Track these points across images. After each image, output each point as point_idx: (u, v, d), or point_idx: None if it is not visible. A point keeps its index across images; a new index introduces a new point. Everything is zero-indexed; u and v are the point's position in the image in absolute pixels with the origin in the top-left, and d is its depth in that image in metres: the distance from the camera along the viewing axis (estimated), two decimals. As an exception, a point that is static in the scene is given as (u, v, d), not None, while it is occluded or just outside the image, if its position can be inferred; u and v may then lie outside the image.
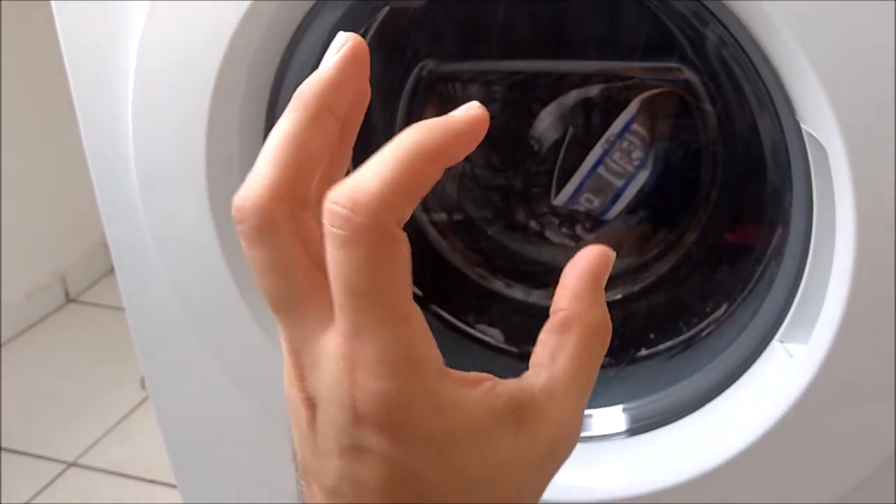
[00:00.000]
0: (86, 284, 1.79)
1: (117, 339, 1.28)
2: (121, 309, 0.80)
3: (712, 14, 0.56)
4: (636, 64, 0.77)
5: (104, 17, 0.66)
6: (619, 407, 0.71)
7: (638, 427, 0.66)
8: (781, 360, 0.60)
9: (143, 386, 1.43)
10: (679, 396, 0.68)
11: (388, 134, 0.87)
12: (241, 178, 0.69)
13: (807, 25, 0.48)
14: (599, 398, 0.74)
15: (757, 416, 0.59)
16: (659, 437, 0.65)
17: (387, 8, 0.75)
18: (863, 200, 0.50)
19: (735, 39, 0.56)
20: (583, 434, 0.70)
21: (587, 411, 0.71)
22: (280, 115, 0.73)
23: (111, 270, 0.79)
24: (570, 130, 0.83)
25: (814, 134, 0.51)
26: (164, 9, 0.62)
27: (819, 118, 0.50)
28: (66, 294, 1.76)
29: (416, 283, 0.88)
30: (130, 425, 1.41)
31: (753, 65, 0.56)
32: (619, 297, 0.84)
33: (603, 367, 0.85)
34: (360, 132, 0.94)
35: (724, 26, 0.56)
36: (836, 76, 0.48)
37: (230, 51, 0.61)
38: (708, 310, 0.75)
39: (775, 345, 0.61)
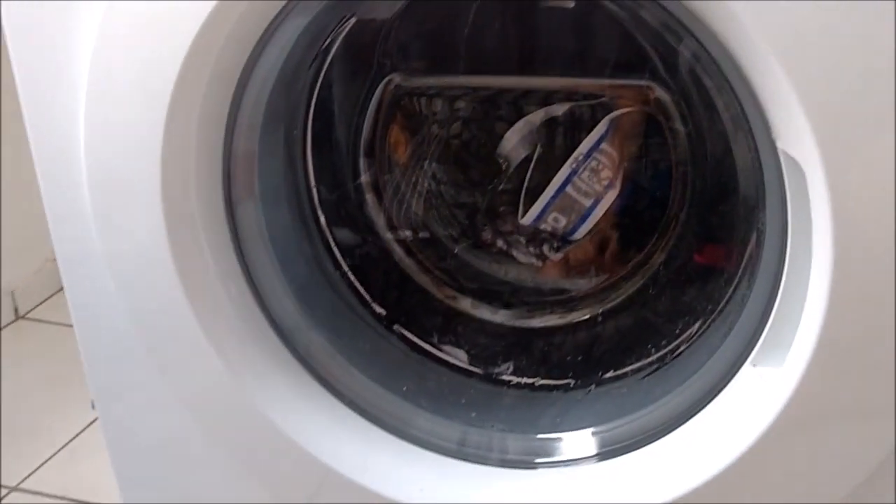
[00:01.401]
0: (36, 301, 1.74)
1: (68, 358, 1.23)
2: (72, 326, 0.76)
3: (687, 30, 0.55)
4: (606, 81, 0.76)
5: (55, 25, 0.63)
6: (589, 430, 0.69)
7: (608, 451, 0.65)
8: (754, 383, 0.59)
9: (94, 407, 1.39)
10: (650, 419, 0.67)
11: (354, 150, 0.86)
12: (199, 195, 0.67)
13: (787, 43, 0.47)
14: (567, 421, 0.73)
15: (731, 440, 0.58)
16: (630, 462, 0.63)
17: (354, 19, 0.73)
18: (840, 222, 0.49)
19: (710, 57, 0.55)
20: (552, 459, 0.69)
21: (556, 434, 0.70)
22: (240, 132, 0.69)
23: (63, 287, 0.76)
24: (539, 149, 0.81)
25: (791, 154, 0.51)
26: (120, 15, 0.59)
27: (797, 139, 0.49)
28: (16, 311, 1.72)
29: (380, 302, 0.85)
30: (79, 447, 1.36)
31: (729, 83, 0.55)
32: (585, 317, 0.83)
33: (568, 389, 0.83)
34: (324, 148, 0.92)
35: (700, 42, 0.55)
36: (816, 96, 0.47)
37: (188, 61, 0.59)
38: (676, 331, 0.74)
39: (748, 368, 0.60)
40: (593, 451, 0.66)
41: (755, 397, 0.59)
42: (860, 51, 0.46)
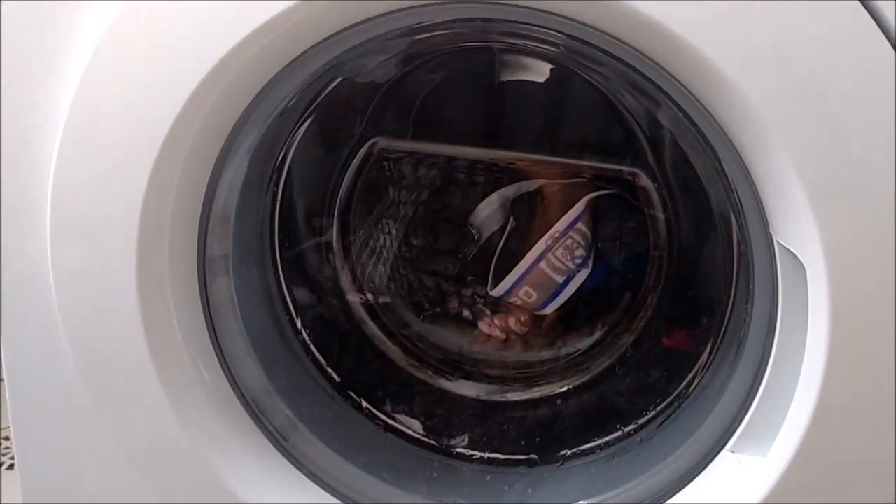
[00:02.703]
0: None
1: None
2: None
3: (686, 118, 0.57)
4: (589, 163, 0.77)
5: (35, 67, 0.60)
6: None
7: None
8: (734, 469, 0.60)
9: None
10: (622, 500, 0.66)
11: (326, 211, 0.84)
12: (172, 254, 0.63)
13: (795, 138, 0.49)
14: (535, 499, 0.72)
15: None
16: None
17: (338, 80, 0.72)
18: (840, 320, 0.51)
19: (708, 144, 0.57)
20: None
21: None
22: (220, 194, 0.68)
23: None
24: (512, 221, 0.82)
25: (792, 250, 0.52)
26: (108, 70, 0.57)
27: (801, 235, 0.51)
28: None
29: (335, 367, 0.83)
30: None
31: (726, 174, 0.57)
32: (549, 393, 0.82)
33: (534, 464, 0.82)
34: (293, 208, 0.89)
35: (700, 132, 0.56)
36: (825, 194, 0.49)
37: (179, 119, 0.57)
38: (644, 412, 0.74)
39: (726, 454, 0.61)
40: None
41: (735, 484, 0.59)
42: (869, 149, 0.49)
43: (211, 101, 0.58)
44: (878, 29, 0.49)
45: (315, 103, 0.72)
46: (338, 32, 0.56)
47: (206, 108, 0.58)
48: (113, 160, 0.59)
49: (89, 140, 0.59)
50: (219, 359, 0.68)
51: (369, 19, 0.54)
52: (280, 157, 0.75)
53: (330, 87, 0.72)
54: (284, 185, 0.77)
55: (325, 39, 0.57)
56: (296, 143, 0.75)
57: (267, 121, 0.66)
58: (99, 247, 0.61)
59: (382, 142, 0.80)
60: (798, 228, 0.51)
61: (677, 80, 0.51)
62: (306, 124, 0.74)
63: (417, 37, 0.66)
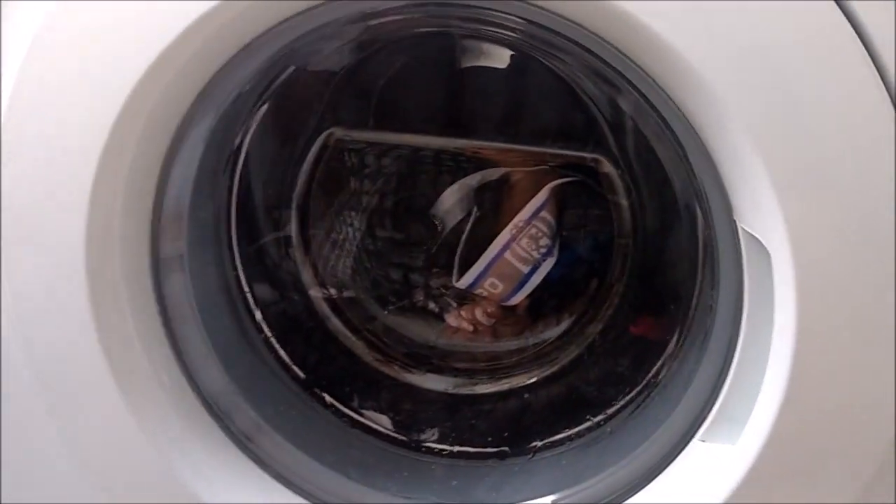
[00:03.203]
0: None
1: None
2: None
3: (647, 103, 0.56)
4: (552, 150, 0.76)
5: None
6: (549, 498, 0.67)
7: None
8: (705, 458, 0.59)
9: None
10: (592, 493, 0.65)
11: (284, 204, 0.82)
12: (123, 257, 0.61)
13: (760, 127, 0.48)
14: (504, 493, 0.71)
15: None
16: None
17: (292, 68, 0.70)
18: (805, 306, 0.50)
19: (667, 125, 0.56)
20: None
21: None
22: (171, 191, 0.65)
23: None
24: (475, 212, 0.81)
25: (756, 236, 0.51)
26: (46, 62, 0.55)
27: (764, 221, 0.50)
28: None
29: (300, 365, 0.81)
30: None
31: (687, 158, 0.56)
32: (518, 385, 0.81)
33: (505, 457, 0.81)
34: (249, 204, 0.87)
35: (662, 117, 0.55)
36: (788, 180, 0.48)
37: (121, 118, 0.55)
38: (613, 402, 0.73)
39: (696, 443, 0.60)
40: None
41: (707, 472, 0.59)
42: (832, 135, 0.48)
43: (158, 91, 0.56)
44: (840, 12, 0.48)
45: (270, 89, 0.70)
46: (288, 18, 0.54)
47: (153, 99, 0.56)
48: (54, 157, 0.56)
49: (29, 134, 0.56)
50: (178, 361, 0.66)
51: (319, 5, 0.53)
52: (236, 145, 0.73)
53: (284, 75, 0.70)
54: (241, 177, 0.75)
55: (276, 25, 0.55)
56: (252, 130, 0.73)
57: (222, 106, 0.64)
58: (47, 249, 0.59)
59: (339, 132, 0.78)
60: (762, 215, 0.50)
61: (637, 64, 0.50)
62: (262, 110, 0.71)
63: (371, 22, 0.64)
